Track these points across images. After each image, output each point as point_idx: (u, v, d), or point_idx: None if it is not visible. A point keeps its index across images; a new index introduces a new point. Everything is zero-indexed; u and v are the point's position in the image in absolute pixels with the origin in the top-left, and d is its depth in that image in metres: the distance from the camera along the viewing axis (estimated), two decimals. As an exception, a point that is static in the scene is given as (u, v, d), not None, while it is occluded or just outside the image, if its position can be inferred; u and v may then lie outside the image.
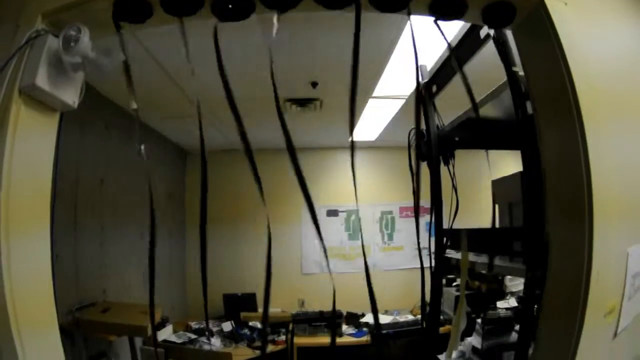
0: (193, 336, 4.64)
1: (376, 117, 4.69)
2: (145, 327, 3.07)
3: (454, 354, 2.44)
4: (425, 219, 2.22)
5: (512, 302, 3.39)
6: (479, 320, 2.39)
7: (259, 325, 5.04)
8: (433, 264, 2.17)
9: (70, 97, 1.37)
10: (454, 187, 2.21)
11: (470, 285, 3.93)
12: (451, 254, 2.13)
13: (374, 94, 3.86)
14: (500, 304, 3.20)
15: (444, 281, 5.05)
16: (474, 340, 2.36)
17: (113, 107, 3.89)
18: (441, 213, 2.20)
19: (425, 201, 2.12)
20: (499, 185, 2.07)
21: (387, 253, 6.11)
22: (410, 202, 2.02)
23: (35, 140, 1.33)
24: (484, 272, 2.37)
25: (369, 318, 5.30)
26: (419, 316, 4.73)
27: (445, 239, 2.18)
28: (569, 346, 1.20)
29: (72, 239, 3.25)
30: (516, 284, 3.22)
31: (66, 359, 1.39)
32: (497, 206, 2.06)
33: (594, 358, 1.26)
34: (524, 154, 1.48)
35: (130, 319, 3.11)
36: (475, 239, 1.92)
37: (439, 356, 2.45)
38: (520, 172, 1.63)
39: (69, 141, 3.21)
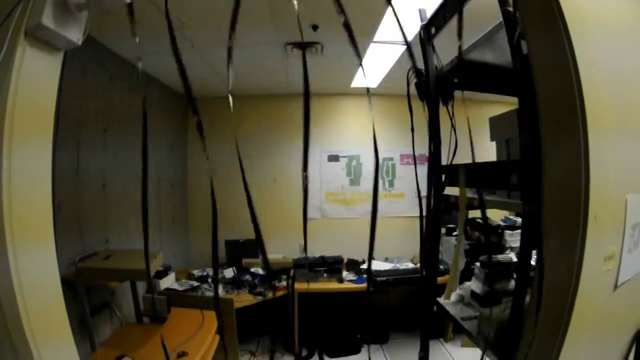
0: (195, 284, 4.70)
1: (378, 64, 4.60)
2: (146, 270, 3.08)
3: (453, 297, 2.47)
4: (426, 168, 2.25)
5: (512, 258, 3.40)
6: (477, 264, 2.39)
7: (260, 271, 5.12)
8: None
9: (75, 35, 1.41)
10: (453, 127, 2.18)
11: (470, 235, 3.95)
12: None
13: (375, 39, 3.77)
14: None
15: (443, 230, 5.09)
16: (473, 285, 2.36)
17: (117, 59, 3.84)
18: (439, 151, 2.21)
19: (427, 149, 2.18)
20: (495, 123, 2.09)
21: (388, 200, 6.10)
22: (411, 150, 2.01)
23: (39, 79, 1.36)
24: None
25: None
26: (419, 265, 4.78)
27: (443, 175, 2.20)
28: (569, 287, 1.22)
29: (74, 186, 3.24)
30: (515, 239, 3.21)
31: (68, 311, 1.41)
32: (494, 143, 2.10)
33: (595, 304, 1.28)
34: (520, 86, 1.45)
35: (132, 264, 3.13)
36: (473, 173, 1.94)
37: (438, 299, 2.49)
38: (517, 109, 1.61)
39: (72, 91, 3.17)
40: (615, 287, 1.33)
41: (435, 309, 2.44)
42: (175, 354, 3.03)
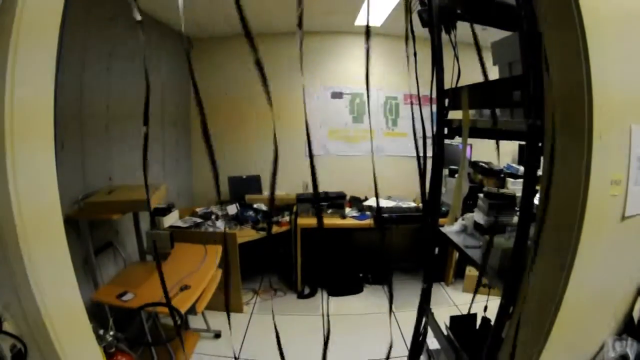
0: (199, 220, 4.71)
1: (381, 1, 4.44)
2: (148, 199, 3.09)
3: (456, 227, 2.46)
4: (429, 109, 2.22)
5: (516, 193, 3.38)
6: (481, 195, 2.36)
7: (263, 207, 5.14)
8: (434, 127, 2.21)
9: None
10: (456, 56, 2.16)
11: (472, 178, 3.93)
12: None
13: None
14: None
15: (446, 172, 5.07)
16: (476, 216, 2.35)
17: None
18: (442, 76, 2.18)
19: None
20: (498, 47, 2.07)
21: (391, 138, 6.04)
22: (415, 92, 1.97)
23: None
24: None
25: (372, 202, 5.36)
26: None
27: (446, 99, 2.20)
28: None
29: (77, 127, 3.20)
30: (517, 187, 3.17)
31: (72, 251, 1.40)
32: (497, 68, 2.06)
33: (603, 232, 1.28)
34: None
35: (134, 196, 3.14)
36: (476, 94, 1.95)
37: (442, 228, 2.48)
38: (519, 32, 1.56)
39: (74, 30, 3.08)
40: (623, 217, 1.32)
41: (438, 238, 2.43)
42: (178, 288, 3.06)
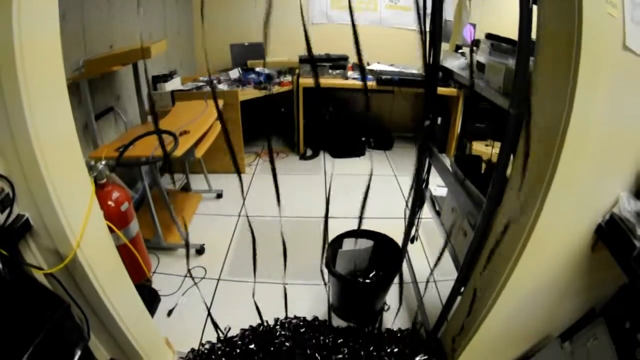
0: (201, 84, 4.67)
1: None
2: (148, 47, 3.06)
3: (457, 63, 2.43)
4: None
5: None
6: (483, 38, 2.31)
7: (266, 70, 5.09)
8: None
9: None
10: None
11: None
12: None
13: None
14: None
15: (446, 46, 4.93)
16: (479, 57, 2.31)
17: None
18: None
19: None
20: None
21: (393, 11, 5.84)
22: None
23: None
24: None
25: (374, 67, 5.29)
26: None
27: None
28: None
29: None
30: None
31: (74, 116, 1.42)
32: None
33: (604, 57, 1.22)
34: None
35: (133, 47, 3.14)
36: None
37: (444, 64, 2.45)
38: None
39: None
40: (624, 46, 1.26)
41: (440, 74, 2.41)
42: (177, 133, 3.09)
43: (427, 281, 2.68)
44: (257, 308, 2.20)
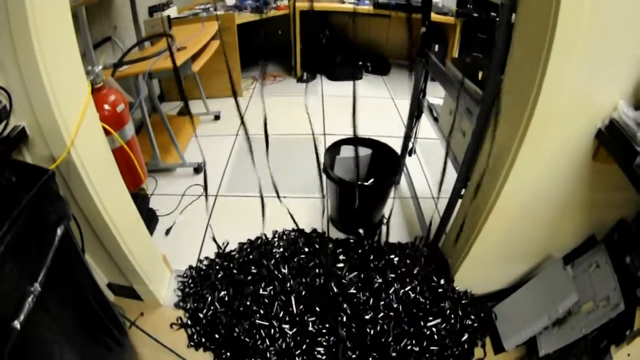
0: (198, 11, 4.62)
1: None
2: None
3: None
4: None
5: None
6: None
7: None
8: None
9: None
10: None
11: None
12: None
13: None
14: None
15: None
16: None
17: None
18: None
19: None
20: None
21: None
22: None
23: None
24: None
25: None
26: None
27: None
28: None
29: None
30: None
31: None
32: None
33: None
34: None
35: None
36: None
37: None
38: None
39: None
40: None
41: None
42: (175, 49, 3.11)
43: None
44: (263, 207, 2.17)
